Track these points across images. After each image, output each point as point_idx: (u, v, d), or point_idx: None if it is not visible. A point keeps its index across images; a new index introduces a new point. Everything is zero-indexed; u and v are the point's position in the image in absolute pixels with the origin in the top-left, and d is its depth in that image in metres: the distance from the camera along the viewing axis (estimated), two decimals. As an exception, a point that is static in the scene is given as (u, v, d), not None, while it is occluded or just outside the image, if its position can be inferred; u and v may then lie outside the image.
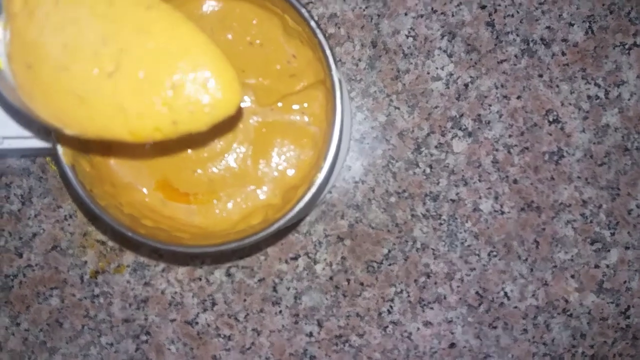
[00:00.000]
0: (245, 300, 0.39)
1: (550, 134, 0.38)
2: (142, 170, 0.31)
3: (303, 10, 0.26)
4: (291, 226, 0.38)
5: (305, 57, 0.30)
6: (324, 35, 0.26)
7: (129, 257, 0.40)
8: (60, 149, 0.28)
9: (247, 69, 0.31)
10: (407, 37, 0.38)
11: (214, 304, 0.39)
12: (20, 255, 0.40)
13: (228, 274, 0.39)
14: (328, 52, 0.27)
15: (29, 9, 0.21)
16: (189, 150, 0.31)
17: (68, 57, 0.21)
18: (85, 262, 0.40)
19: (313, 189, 0.28)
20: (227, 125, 0.23)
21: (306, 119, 0.31)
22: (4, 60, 0.22)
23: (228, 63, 0.22)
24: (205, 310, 0.39)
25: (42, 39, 0.21)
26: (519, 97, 0.38)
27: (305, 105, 0.31)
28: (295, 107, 0.31)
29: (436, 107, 0.38)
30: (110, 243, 0.40)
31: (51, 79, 0.22)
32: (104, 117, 0.22)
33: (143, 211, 0.31)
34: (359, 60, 0.38)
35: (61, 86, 0.22)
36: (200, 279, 0.39)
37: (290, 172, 0.32)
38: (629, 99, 0.38)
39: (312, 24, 0.26)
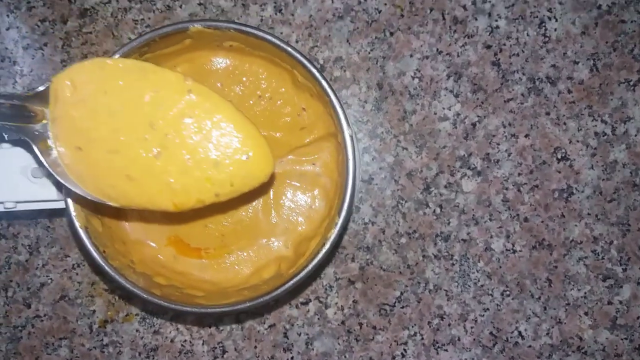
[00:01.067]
0: (255, 347, 0.39)
1: (559, 172, 0.38)
2: (153, 226, 0.31)
3: (314, 70, 0.26)
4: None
5: (316, 110, 0.30)
6: (335, 94, 0.26)
7: (137, 305, 0.39)
8: (73, 212, 0.27)
9: (257, 122, 0.30)
10: (413, 78, 0.38)
11: (224, 351, 0.39)
12: (29, 306, 0.39)
13: (238, 321, 0.39)
14: (339, 110, 0.27)
15: (79, 96, 0.23)
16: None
17: (118, 141, 0.23)
18: (94, 311, 0.39)
19: (327, 245, 0.28)
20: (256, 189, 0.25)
21: (317, 170, 0.31)
22: (51, 139, 0.23)
23: (262, 137, 0.24)
24: (215, 358, 0.39)
25: (92, 124, 0.23)
26: (527, 136, 0.38)
27: (316, 156, 0.31)
28: (306, 158, 0.31)
29: (444, 147, 0.38)
30: (119, 291, 0.39)
31: (101, 161, 0.23)
32: (151, 192, 0.24)
33: (155, 268, 0.30)
34: (365, 102, 0.38)
35: (111, 167, 0.23)
36: (209, 326, 0.39)
37: (302, 223, 0.31)
38: (635, 135, 0.38)
39: (324, 84, 0.26)
